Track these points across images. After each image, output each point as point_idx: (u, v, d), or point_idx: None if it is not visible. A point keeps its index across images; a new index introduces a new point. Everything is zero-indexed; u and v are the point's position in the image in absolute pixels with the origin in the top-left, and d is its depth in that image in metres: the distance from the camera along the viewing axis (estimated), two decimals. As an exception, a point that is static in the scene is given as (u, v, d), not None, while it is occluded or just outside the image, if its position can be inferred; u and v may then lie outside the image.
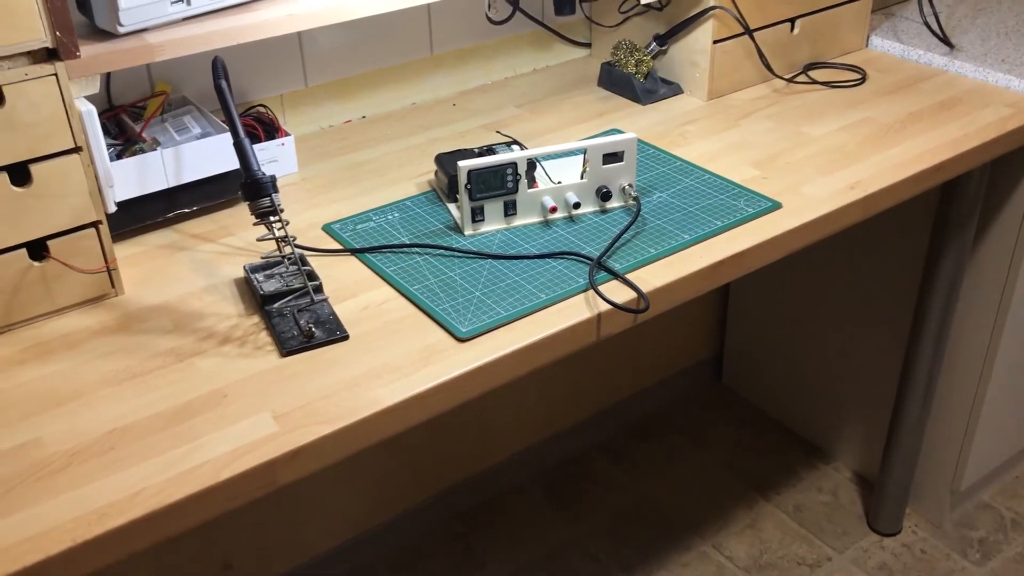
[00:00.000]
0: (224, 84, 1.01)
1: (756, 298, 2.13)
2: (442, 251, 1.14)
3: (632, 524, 1.95)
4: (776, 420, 2.20)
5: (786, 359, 2.11)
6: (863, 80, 1.56)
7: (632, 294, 1.06)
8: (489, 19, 1.52)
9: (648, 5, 1.49)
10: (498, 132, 1.41)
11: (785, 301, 2.05)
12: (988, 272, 1.66)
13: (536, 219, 1.20)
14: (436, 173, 1.28)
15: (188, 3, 1.05)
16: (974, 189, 1.54)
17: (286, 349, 0.97)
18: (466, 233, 1.18)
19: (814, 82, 1.55)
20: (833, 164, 1.30)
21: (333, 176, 1.32)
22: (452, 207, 1.23)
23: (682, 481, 2.04)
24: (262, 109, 1.36)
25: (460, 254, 1.13)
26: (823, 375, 2.03)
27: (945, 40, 1.66)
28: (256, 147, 1.27)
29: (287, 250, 1.01)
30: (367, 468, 1.81)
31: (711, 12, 1.43)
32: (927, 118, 1.43)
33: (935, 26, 1.69)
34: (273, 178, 1.00)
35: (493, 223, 1.18)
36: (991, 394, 1.75)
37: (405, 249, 1.14)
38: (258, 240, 1.03)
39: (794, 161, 1.31)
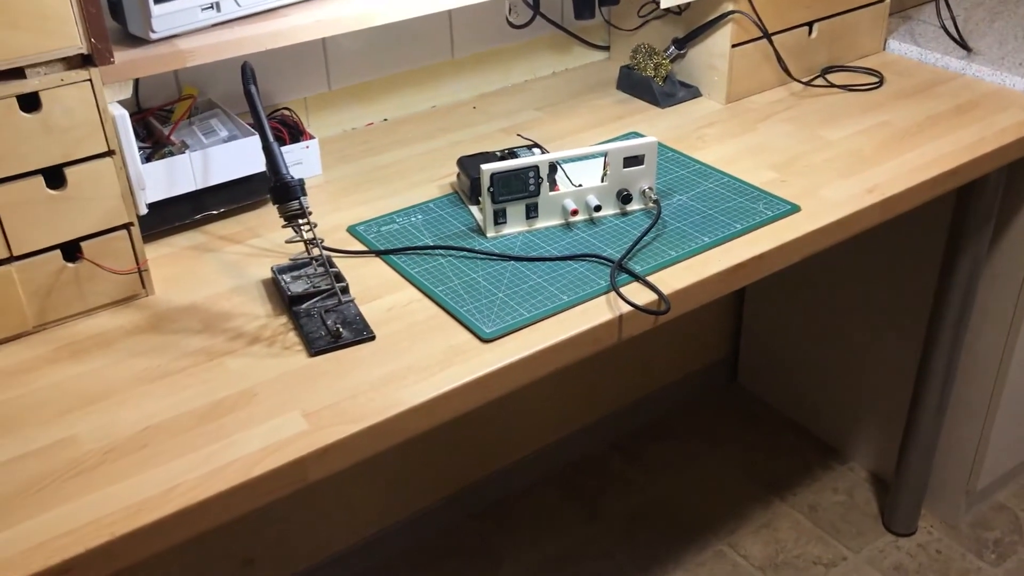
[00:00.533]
0: (253, 89, 1.04)
1: (772, 299, 2.14)
2: (465, 253, 1.16)
3: (647, 523, 1.96)
4: (791, 420, 2.21)
5: (801, 360, 2.12)
6: (880, 83, 1.57)
7: (653, 296, 1.07)
8: (509, 23, 1.54)
9: (667, 9, 1.51)
10: (519, 135, 1.43)
11: (801, 302, 2.07)
12: (1004, 275, 1.67)
13: (557, 221, 1.22)
14: (458, 175, 1.30)
15: (218, 9, 1.07)
16: (991, 193, 1.55)
17: (314, 349, 0.99)
18: (488, 235, 1.19)
19: (832, 85, 1.56)
20: (851, 168, 1.31)
21: (356, 178, 1.34)
22: (474, 209, 1.25)
23: (697, 481, 2.06)
24: (287, 112, 1.38)
25: (483, 256, 1.15)
26: (839, 376, 2.04)
27: (962, 43, 1.66)
28: (282, 150, 1.29)
29: (315, 252, 1.03)
30: (385, 466, 1.83)
31: (730, 16, 1.44)
32: (944, 122, 1.44)
33: (952, 29, 1.70)
34: (301, 181, 1.02)
35: (515, 225, 1.20)
36: (1006, 396, 1.75)
37: (429, 251, 1.16)
38: (286, 242, 1.05)
39: (812, 164, 1.32)
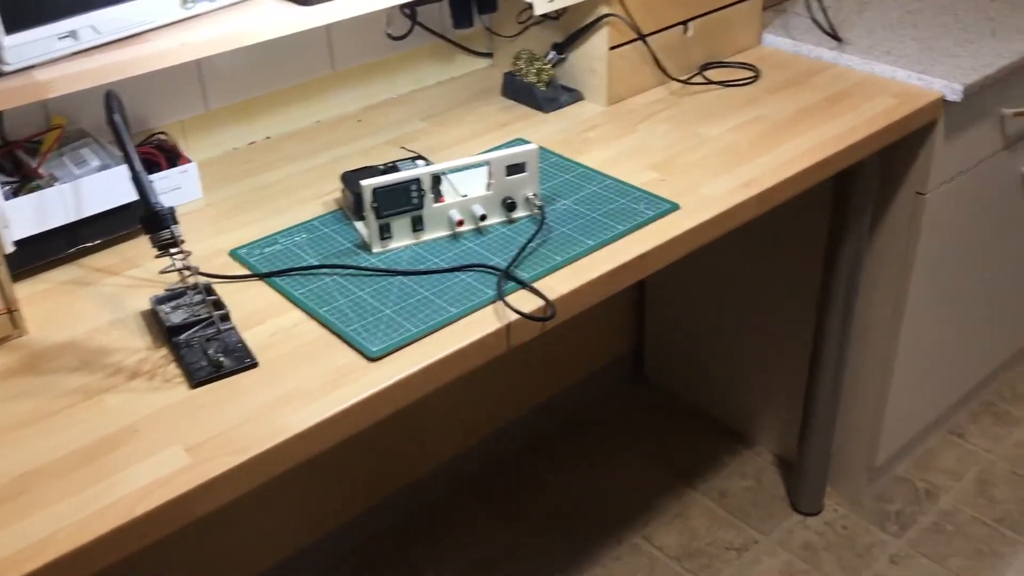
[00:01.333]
0: (118, 118, 1.01)
1: (671, 291, 2.18)
2: (351, 270, 1.15)
3: (564, 522, 1.98)
4: (698, 409, 2.25)
5: (703, 349, 2.17)
6: (756, 78, 1.61)
7: (540, 302, 1.08)
8: (389, 35, 1.53)
9: (545, 15, 1.52)
10: (402, 147, 1.42)
11: (699, 292, 2.11)
12: (887, 255, 1.73)
13: (444, 233, 1.22)
14: (343, 192, 1.29)
15: (76, 38, 1.04)
16: (867, 178, 1.60)
17: (195, 380, 0.97)
18: (374, 251, 1.19)
19: (709, 82, 1.59)
20: (728, 163, 1.34)
21: (239, 200, 1.32)
22: (360, 225, 1.24)
23: (611, 476, 2.08)
24: (163, 136, 1.35)
25: (369, 272, 1.15)
26: (739, 362, 2.09)
27: (833, 34, 1.72)
28: (158, 175, 1.27)
29: (191, 280, 1.01)
30: (295, 486, 1.80)
31: (605, 20, 1.46)
32: (818, 112, 1.48)
33: (823, 21, 1.75)
34: (172, 210, 1.00)
35: (401, 239, 1.20)
36: (898, 372, 1.82)
37: (313, 271, 1.15)
38: (161, 272, 1.03)
39: (691, 162, 1.35)
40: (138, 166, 1.01)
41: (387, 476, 1.96)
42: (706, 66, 1.64)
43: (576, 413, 2.26)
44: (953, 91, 1.53)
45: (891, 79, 1.59)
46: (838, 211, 1.65)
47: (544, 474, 2.10)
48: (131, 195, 1.18)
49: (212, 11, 1.18)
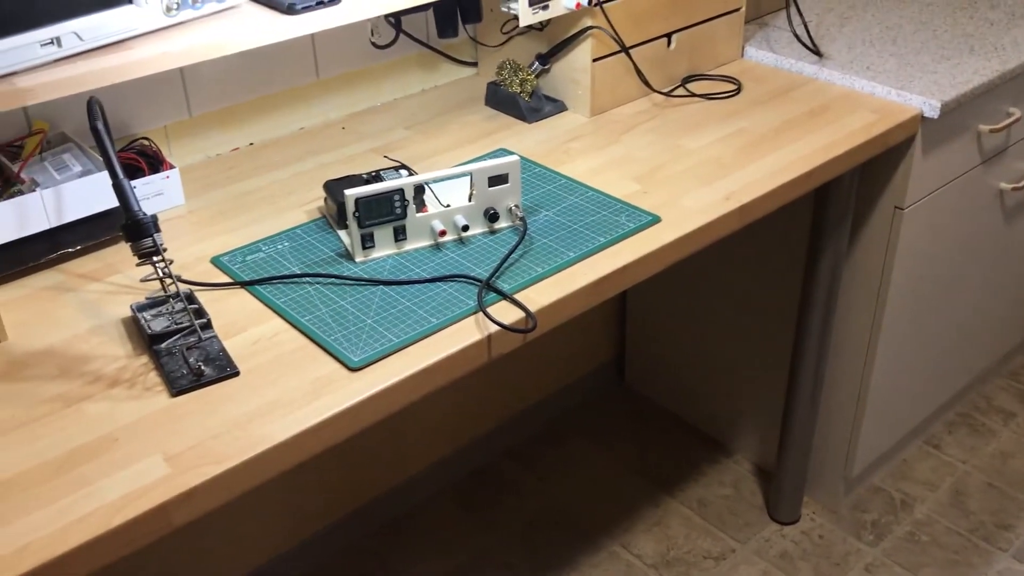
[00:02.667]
0: (100, 125, 1.01)
1: (653, 300, 2.19)
2: (333, 279, 1.15)
3: (543, 529, 1.98)
4: (678, 417, 2.26)
5: (684, 357, 2.18)
6: (738, 91, 1.62)
7: (520, 313, 1.09)
8: (373, 44, 1.53)
9: (529, 26, 1.53)
10: (386, 157, 1.43)
11: (680, 302, 2.12)
12: (865, 269, 1.74)
13: (426, 243, 1.22)
14: (325, 200, 1.29)
15: (59, 45, 1.04)
16: (845, 191, 1.62)
17: (176, 389, 0.97)
18: (357, 260, 1.19)
19: (692, 95, 1.60)
20: (709, 175, 1.35)
21: (221, 207, 1.32)
22: (342, 234, 1.24)
23: (590, 483, 2.09)
24: (145, 142, 1.35)
25: (351, 282, 1.15)
26: (720, 371, 2.11)
27: (814, 49, 1.74)
28: (140, 181, 1.27)
29: (172, 288, 1.01)
30: (275, 493, 1.80)
31: (589, 31, 1.47)
32: (798, 126, 1.50)
33: (804, 36, 1.77)
34: (154, 218, 1.00)
35: (384, 249, 1.20)
36: (875, 383, 1.84)
37: (295, 279, 1.15)
38: (142, 281, 1.03)
39: (673, 174, 1.36)
40: (120, 173, 1.00)
41: (366, 482, 1.95)
42: (688, 78, 1.66)
43: (556, 420, 2.27)
44: (931, 107, 1.54)
45: (870, 94, 1.60)
46: (817, 224, 1.67)
47: (523, 481, 2.10)
48: (113, 201, 1.18)
49: (196, 19, 1.18)
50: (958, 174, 1.76)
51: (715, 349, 2.09)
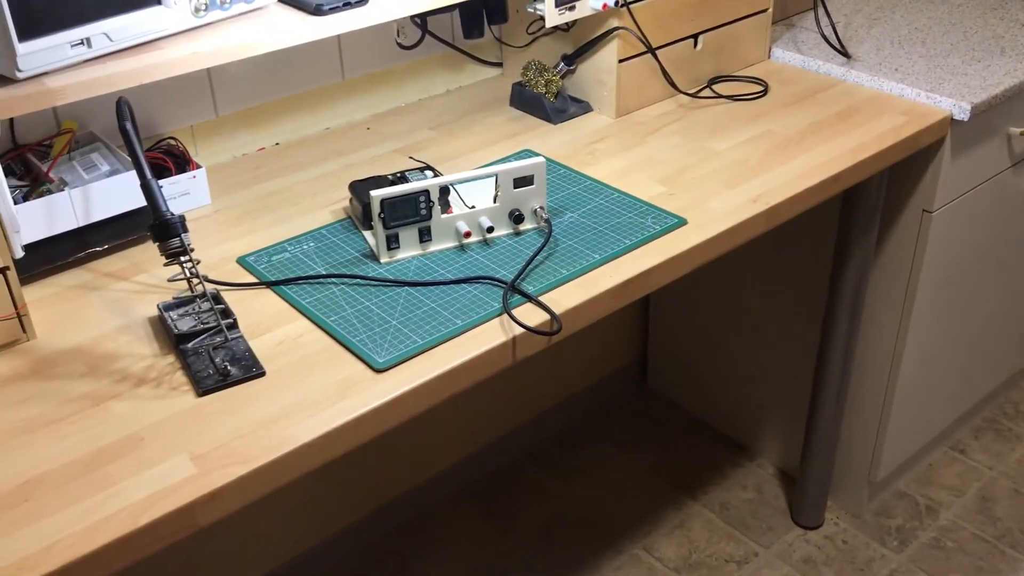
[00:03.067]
0: (129, 126, 1.01)
1: (677, 302, 2.18)
2: (358, 280, 1.15)
3: (564, 531, 1.98)
4: (701, 420, 2.25)
5: (708, 360, 2.17)
6: (765, 92, 1.61)
7: (545, 316, 1.08)
8: (399, 44, 1.53)
9: (555, 27, 1.52)
10: (411, 158, 1.43)
11: (705, 304, 2.11)
12: (892, 272, 1.73)
13: (451, 244, 1.22)
14: (351, 200, 1.30)
15: (89, 45, 1.05)
16: (873, 195, 1.60)
17: (202, 389, 0.97)
18: (382, 261, 1.19)
19: (718, 96, 1.59)
20: (736, 178, 1.34)
21: (247, 207, 1.32)
22: (368, 235, 1.24)
23: (611, 485, 2.08)
24: (172, 141, 1.35)
25: (376, 283, 1.15)
26: (744, 374, 2.09)
27: (842, 50, 1.72)
28: (167, 181, 1.27)
29: (199, 288, 1.02)
30: (295, 493, 1.80)
31: (615, 32, 1.47)
32: (826, 128, 1.48)
33: (832, 37, 1.76)
34: (182, 218, 1.00)
35: (409, 250, 1.20)
36: (901, 388, 1.82)
37: (321, 280, 1.15)
38: (169, 280, 1.03)
39: (699, 176, 1.35)
40: (148, 173, 1.01)
41: (387, 482, 1.96)
42: (715, 80, 1.65)
43: (578, 422, 2.26)
44: (961, 110, 1.53)
45: (899, 96, 1.59)
46: (844, 227, 1.65)
47: (544, 483, 2.10)
48: (140, 200, 1.19)
49: (224, 20, 1.19)
50: (987, 177, 1.73)
51: (739, 352, 2.08)
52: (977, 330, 1.95)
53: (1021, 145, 1.78)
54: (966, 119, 1.53)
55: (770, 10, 1.68)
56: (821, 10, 1.81)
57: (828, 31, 1.79)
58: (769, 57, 1.75)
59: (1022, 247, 1.95)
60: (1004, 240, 1.88)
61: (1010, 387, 2.29)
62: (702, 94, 1.60)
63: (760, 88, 1.62)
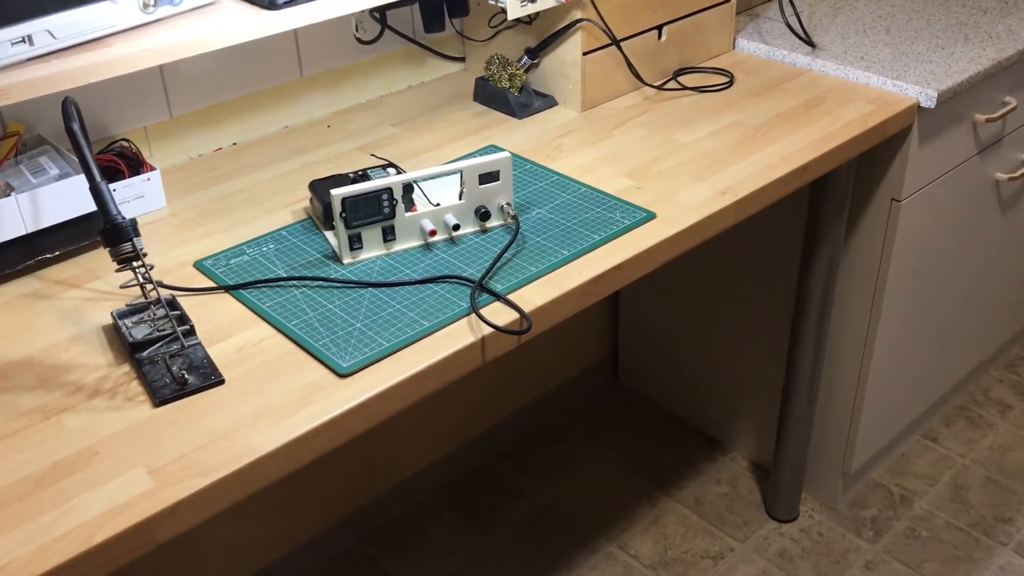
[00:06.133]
0: (76, 126, 0.97)
1: (647, 297, 2.16)
2: (320, 282, 1.12)
3: (540, 531, 1.96)
4: (674, 415, 2.24)
5: (679, 355, 2.15)
6: (731, 83, 1.59)
7: (514, 314, 1.06)
8: (358, 39, 1.50)
9: (517, 19, 1.50)
10: (373, 155, 1.39)
11: (675, 298, 2.09)
12: (862, 262, 1.72)
13: (416, 243, 1.19)
14: (311, 200, 1.26)
15: (31, 43, 1.00)
16: (842, 185, 1.59)
17: (159, 398, 0.93)
18: (344, 262, 1.16)
19: (684, 88, 1.57)
20: (704, 170, 1.32)
21: (204, 209, 1.28)
22: (329, 235, 1.21)
23: (586, 483, 2.06)
24: (125, 143, 1.31)
25: (339, 284, 1.11)
26: (715, 368, 2.08)
27: (807, 40, 1.71)
28: (120, 184, 1.23)
29: (153, 294, 0.98)
30: (266, 499, 1.76)
31: (578, 24, 1.44)
32: (793, 118, 1.47)
33: (796, 26, 1.74)
34: (133, 221, 0.97)
35: (372, 250, 1.17)
36: (872, 378, 1.81)
37: (281, 283, 1.12)
38: (122, 287, 0.99)
39: (667, 169, 1.33)
40: (97, 176, 0.97)
41: (360, 486, 1.92)
42: (680, 71, 1.63)
43: (550, 420, 2.24)
44: (927, 97, 1.52)
45: (865, 85, 1.58)
46: (813, 218, 1.64)
47: (518, 482, 2.07)
48: (92, 205, 1.15)
49: (175, 15, 1.15)
50: (954, 165, 1.73)
51: (710, 345, 2.06)
52: (947, 318, 1.95)
53: (987, 132, 1.78)
54: (933, 106, 1.52)
55: (734, 0, 1.67)
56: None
57: (793, 20, 1.78)
58: (734, 48, 1.73)
59: (990, 234, 1.95)
60: (972, 227, 1.88)
61: (980, 374, 2.30)
62: (668, 86, 1.58)
63: (726, 79, 1.60)
